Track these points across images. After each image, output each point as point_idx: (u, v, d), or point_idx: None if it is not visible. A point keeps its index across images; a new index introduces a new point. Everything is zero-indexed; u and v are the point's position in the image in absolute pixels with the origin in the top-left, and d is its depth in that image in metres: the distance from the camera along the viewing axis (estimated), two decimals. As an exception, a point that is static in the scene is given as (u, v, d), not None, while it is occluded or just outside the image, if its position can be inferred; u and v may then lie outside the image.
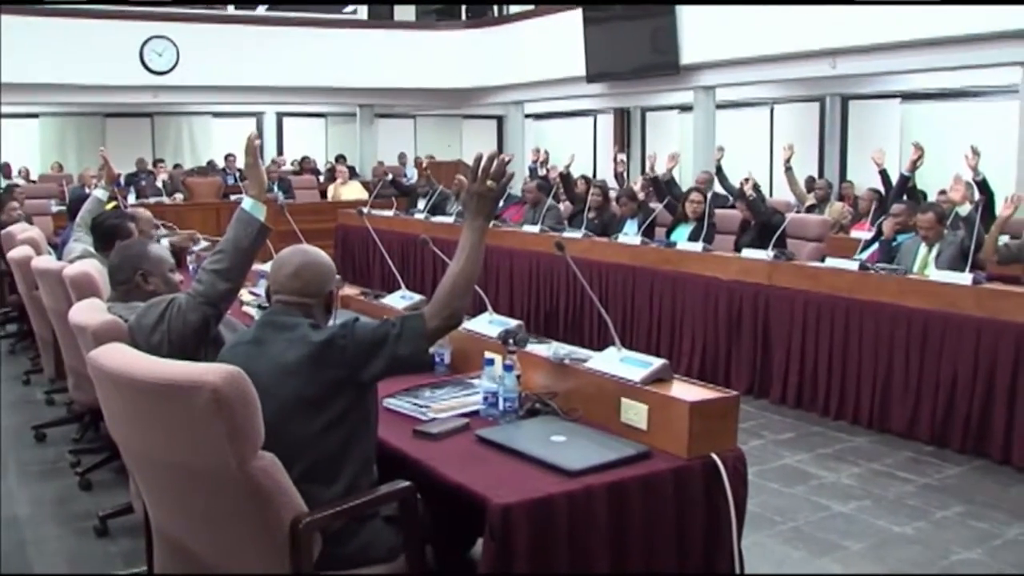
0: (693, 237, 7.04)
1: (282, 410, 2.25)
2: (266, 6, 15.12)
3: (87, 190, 7.80)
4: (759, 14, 9.85)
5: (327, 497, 2.27)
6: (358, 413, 2.38)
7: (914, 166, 6.75)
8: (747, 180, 7.21)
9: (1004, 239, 5.69)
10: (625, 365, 2.79)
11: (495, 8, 16.00)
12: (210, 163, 15.53)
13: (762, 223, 6.71)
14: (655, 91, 13.38)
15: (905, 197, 6.82)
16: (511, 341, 3.08)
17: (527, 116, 15.46)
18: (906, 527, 4.01)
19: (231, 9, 14.74)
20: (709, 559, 2.55)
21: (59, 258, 5.00)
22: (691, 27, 10.90)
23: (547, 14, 13.07)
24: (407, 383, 3.01)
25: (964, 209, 5.59)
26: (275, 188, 12.41)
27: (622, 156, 10.62)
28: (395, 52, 14.21)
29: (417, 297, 4.12)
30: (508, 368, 2.82)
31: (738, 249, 6.58)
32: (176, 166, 15.26)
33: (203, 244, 6.22)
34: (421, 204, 10.30)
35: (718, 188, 9.22)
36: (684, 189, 8.16)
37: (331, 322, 2.55)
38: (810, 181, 10.67)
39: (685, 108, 13.40)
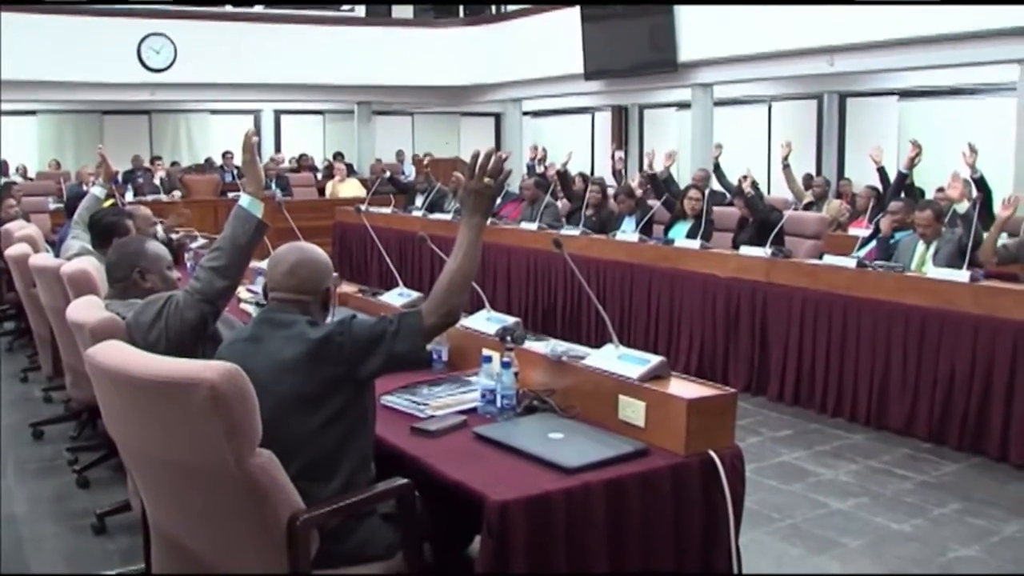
0: (691, 234, 7.05)
1: (279, 407, 2.25)
2: (263, 4, 15.09)
3: (85, 188, 7.80)
4: (757, 12, 9.84)
5: (324, 494, 2.27)
6: (355, 410, 2.38)
7: (912, 163, 6.76)
8: (745, 178, 7.21)
9: (1003, 238, 5.68)
10: (623, 362, 2.79)
11: (493, 5, 15.98)
12: (208, 160, 15.53)
13: (760, 220, 6.71)
14: (653, 88, 13.38)
15: (903, 194, 6.83)
16: (509, 338, 3.08)
17: (525, 113, 15.46)
18: (904, 524, 4.02)
19: (229, 7, 14.72)
20: (707, 556, 2.56)
21: (57, 255, 4.99)
22: (689, 24, 10.90)
23: (545, 11, 13.06)
24: (405, 380, 3.01)
25: (962, 207, 5.58)
26: (273, 185, 12.40)
27: (620, 154, 10.61)
28: (393, 49, 14.21)
29: (415, 294, 4.12)
30: (506, 365, 2.81)
31: (736, 246, 6.58)
32: (174, 163, 15.25)
33: (201, 242, 6.22)
34: (419, 201, 10.29)
35: (715, 185, 9.22)
36: (682, 187, 8.16)
37: (329, 319, 2.55)
38: (808, 178, 10.68)
39: (683, 105, 13.40)
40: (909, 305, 5.15)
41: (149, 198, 11.35)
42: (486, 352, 3.00)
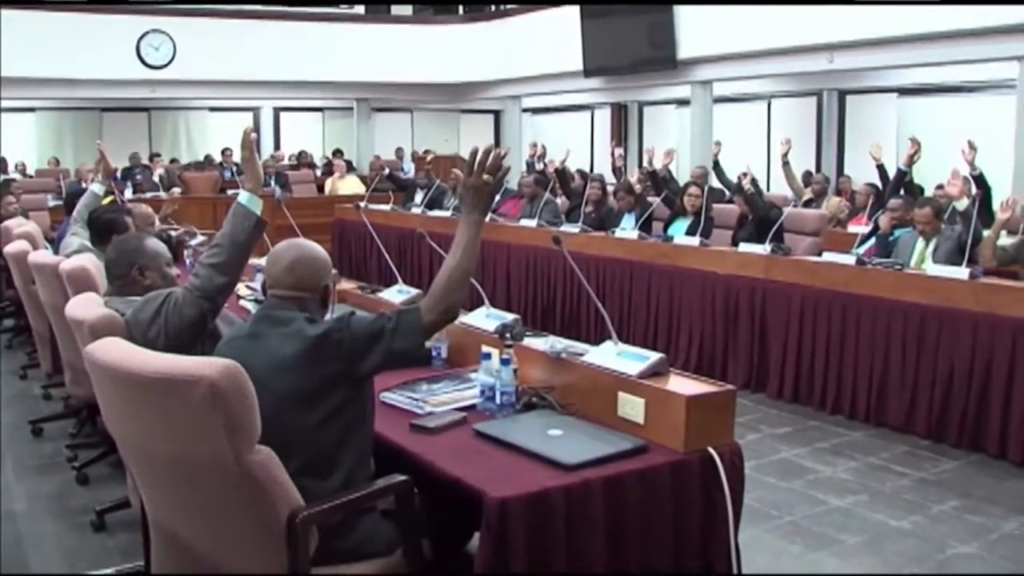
0: (691, 231, 7.04)
1: (278, 404, 2.25)
2: (263, 2, 15.06)
3: (84, 185, 7.78)
4: (756, 9, 9.84)
5: (324, 491, 2.27)
6: (354, 407, 2.38)
7: (911, 161, 6.76)
8: (745, 175, 7.21)
9: (1003, 236, 5.68)
10: (622, 359, 2.79)
11: (492, 5, 15.97)
12: (207, 158, 15.51)
13: (759, 217, 6.71)
14: (652, 86, 13.37)
15: (902, 192, 6.83)
16: (508, 335, 3.08)
17: (524, 111, 15.45)
18: (903, 521, 4.02)
19: (228, 4, 14.69)
20: (706, 553, 2.56)
21: (56, 253, 4.99)
22: (688, 22, 10.90)
23: (544, 8, 13.05)
24: (404, 377, 3.01)
25: (961, 204, 5.58)
26: (272, 182, 12.40)
27: (620, 151, 10.61)
28: (392, 46, 14.20)
29: (414, 291, 4.12)
30: (505, 362, 2.81)
31: (735, 243, 6.57)
32: (173, 160, 15.23)
33: (200, 239, 6.22)
34: (418, 198, 10.30)
35: (714, 182, 9.21)
36: (681, 184, 8.16)
37: (328, 316, 2.55)
38: (807, 176, 10.67)
39: (682, 103, 13.39)
40: (908, 302, 5.15)
41: (148, 195, 11.34)
42: (485, 349, 3.00)
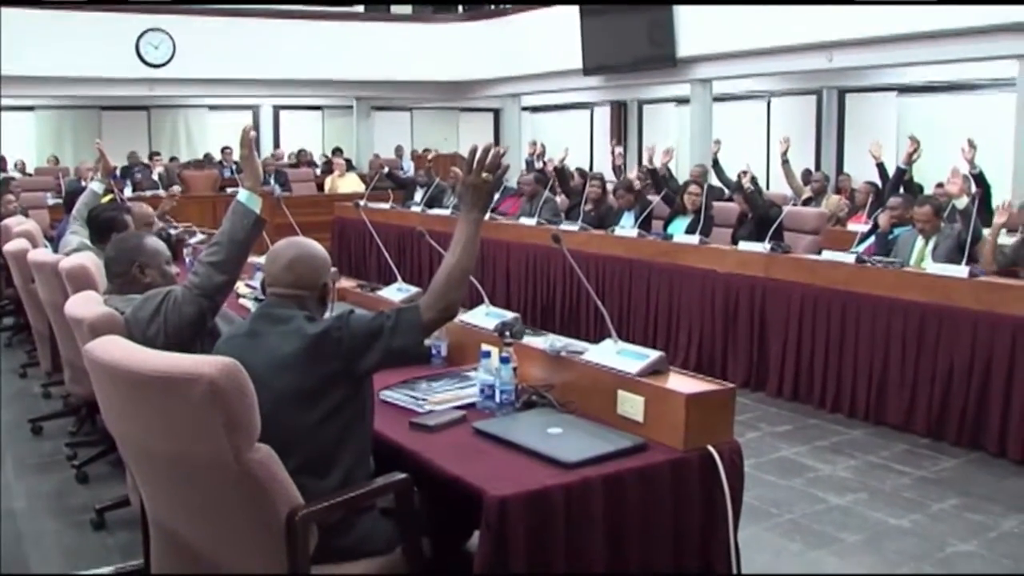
0: (691, 230, 7.04)
1: (278, 402, 2.25)
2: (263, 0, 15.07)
3: (83, 183, 7.78)
4: (756, 7, 9.83)
5: (323, 489, 2.26)
6: (354, 405, 2.38)
7: (910, 159, 6.76)
8: (745, 173, 7.21)
9: (1003, 235, 5.68)
10: (622, 357, 2.79)
11: (491, 4, 15.96)
12: (206, 156, 15.50)
13: (759, 216, 6.71)
14: (652, 84, 13.36)
15: (902, 190, 6.82)
16: (508, 333, 3.08)
17: (524, 109, 15.45)
18: (902, 519, 4.02)
19: (227, 3, 14.68)
20: (706, 552, 2.56)
21: (55, 251, 4.99)
22: (688, 20, 10.89)
23: (544, 7, 13.04)
24: (404, 375, 3.01)
25: (961, 202, 5.58)
26: (271, 181, 12.39)
27: (620, 149, 10.61)
28: (392, 45, 14.18)
29: (413, 289, 4.12)
30: (505, 360, 2.81)
31: (735, 242, 6.57)
32: (172, 159, 15.22)
33: (199, 237, 6.22)
34: (418, 197, 10.30)
35: (714, 181, 9.21)
36: (681, 182, 8.16)
37: (327, 314, 2.55)
38: (807, 174, 10.68)
39: (682, 101, 13.39)
40: (908, 301, 5.15)
41: (148, 193, 11.34)
42: (485, 347, 3.00)
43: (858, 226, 7.03)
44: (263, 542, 2.13)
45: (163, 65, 13.03)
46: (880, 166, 7.70)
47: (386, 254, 5.54)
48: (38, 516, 4.04)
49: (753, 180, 7.15)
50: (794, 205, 7.92)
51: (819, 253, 6.02)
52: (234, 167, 13.58)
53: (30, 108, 15.64)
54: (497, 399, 2.82)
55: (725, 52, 10.62)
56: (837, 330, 5.47)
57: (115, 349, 2.15)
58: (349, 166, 14.40)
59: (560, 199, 9.05)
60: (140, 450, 2.27)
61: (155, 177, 12.87)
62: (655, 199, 7.74)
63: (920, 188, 8.24)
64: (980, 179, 6.19)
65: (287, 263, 2.48)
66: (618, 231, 7.27)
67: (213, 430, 1.99)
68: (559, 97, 16.25)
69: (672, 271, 6.55)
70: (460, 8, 15.81)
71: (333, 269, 2.63)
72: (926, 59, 9.35)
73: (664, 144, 9.08)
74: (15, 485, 4.40)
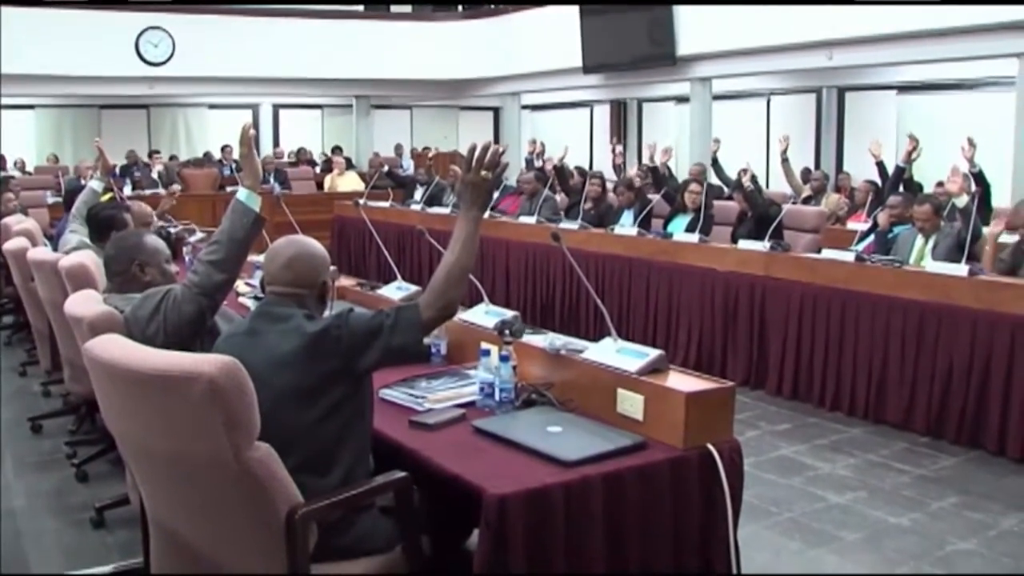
0: (690, 228, 7.05)
1: (277, 401, 2.25)
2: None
3: (83, 182, 7.78)
4: (756, 6, 9.83)
5: (323, 488, 2.26)
6: (353, 404, 2.38)
7: (910, 157, 6.76)
8: (745, 171, 7.21)
9: (1004, 234, 5.68)
10: (621, 356, 2.79)
11: (491, 1, 15.96)
12: (206, 155, 15.50)
13: (759, 214, 6.71)
14: (652, 82, 13.36)
15: (902, 188, 6.82)
16: (507, 332, 3.07)
17: (524, 107, 15.44)
18: (902, 518, 4.02)
19: (227, 2, 14.68)
20: (705, 550, 2.56)
21: (55, 249, 4.99)
22: (688, 18, 10.89)
23: (543, 5, 13.04)
24: (403, 374, 3.01)
25: (961, 201, 5.58)
26: (271, 179, 12.39)
27: (620, 147, 10.61)
28: (391, 43, 14.18)
29: (413, 288, 4.12)
30: (504, 359, 2.81)
31: (735, 240, 6.58)
32: (172, 157, 15.22)
33: (199, 235, 6.22)
34: (417, 195, 10.30)
35: (713, 179, 9.21)
36: (680, 180, 8.16)
37: (326, 313, 2.55)
38: (806, 172, 10.67)
39: (682, 99, 13.38)
40: (908, 299, 5.15)
41: (147, 192, 11.34)
42: (484, 346, 3.00)
43: (858, 225, 7.03)
44: (263, 541, 2.13)
45: (163, 63, 13.03)
46: (880, 165, 7.70)
47: (386, 252, 5.53)
48: (38, 514, 4.04)
49: (753, 179, 7.14)
50: (794, 204, 7.92)
51: (819, 252, 6.02)
52: (234, 166, 13.58)
53: (30, 107, 15.64)
54: (497, 397, 2.82)
55: (725, 51, 10.63)
56: (837, 329, 5.47)
57: (114, 348, 2.15)
58: (349, 164, 14.40)
59: (560, 197, 9.05)
60: (140, 448, 2.27)
61: (154, 176, 12.87)
62: (655, 197, 7.74)
63: (920, 187, 8.23)
64: (980, 178, 6.19)
65: (286, 261, 2.48)
66: (618, 229, 7.27)
67: (213, 428, 1.99)
68: (559, 95, 16.24)
69: (672, 269, 6.55)
70: (460, 7, 15.79)
71: (332, 267, 2.63)
72: (926, 57, 9.36)
73: (664, 143, 9.08)
74: (15, 483, 4.40)
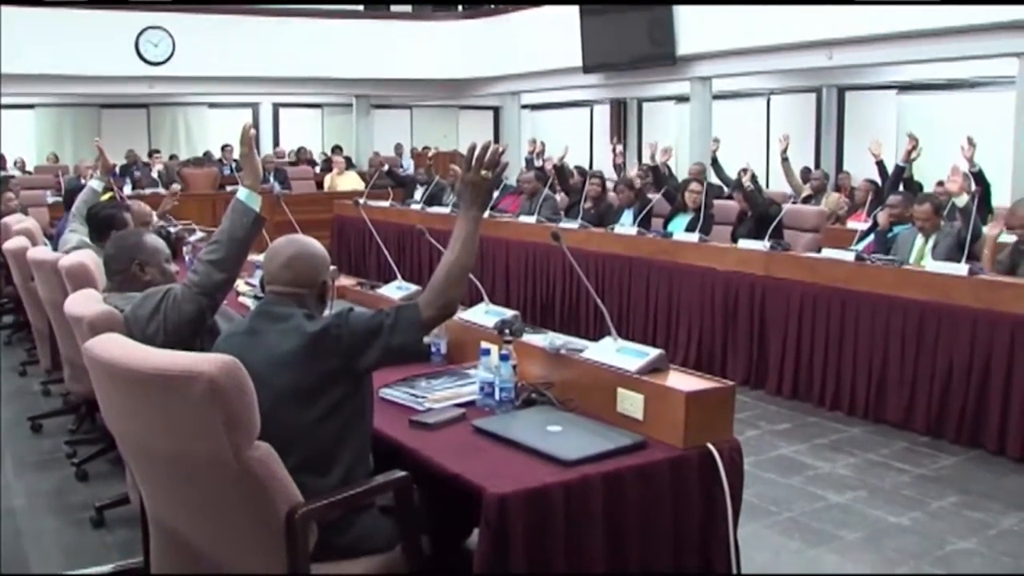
0: (690, 228, 7.05)
1: (277, 400, 2.25)
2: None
3: (83, 181, 7.78)
4: (756, 6, 9.83)
5: (323, 487, 2.26)
6: (353, 403, 2.38)
7: (910, 157, 6.76)
8: (745, 171, 7.21)
9: (1004, 234, 5.68)
10: (621, 355, 2.79)
11: (491, 1, 15.97)
12: (206, 154, 15.51)
13: (759, 214, 6.71)
14: (652, 82, 13.37)
15: (902, 188, 6.82)
16: (507, 331, 3.07)
17: (523, 107, 15.45)
18: (902, 517, 4.02)
19: (227, 1, 14.68)
20: (705, 549, 2.56)
21: (55, 249, 4.99)
22: (688, 18, 10.90)
23: (543, 5, 13.04)
24: (403, 373, 3.01)
25: (961, 200, 5.58)
26: (271, 179, 12.39)
27: (620, 147, 10.61)
28: (391, 43, 14.20)
29: (413, 287, 4.12)
30: (504, 358, 2.81)
31: (735, 240, 6.58)
32: (172, 157, 15.22)
33: (199, 235, 6.22)
34: (417, 195, 10.30)
35: (713, 178, 9.21)
36: (680, 180, 8.15)
37: (326, 312, 2.55)
38: (806, 172, 10.68)
39: (682, 99, 13.39)
40: (907, 299, 5.15)
41: (147, 191, 11.34)
42: (484, 345, 3.00)
43: (858, 224, 7.03)
44: (263, 540, 2.13)
45: (163, 63, 13.05)
46: (880, 164, 7.70)
47: (385, 252, 5.53)
48: (38, 514, 4.04)
49: (753, 178, 7.14)
50: (794, 203, 7.92)
51: (819, 251, 6.02)
52: (234, 165, 13.58)
53: (30, 106, 15.64)
54: (497, 397, 2.82)
55: (725, 50, 10.64)
56: (836, 328, 5.47)
57: (114, 347, 2.15)
58: (349, 164, 14.40)
59: (560, 197, 9.05)
60: (140, 448, 2.27)
61: (154, 175, 12.87)
62: (655, 197, 7.74)
63: (920, 186, 8.23)
64: (980, 177, 6.19)
65: (286, 261, 2.48)
66: (618, 229, 7.27)
67: (213, 428, 1.99)
68: (559, 95, 16.25)
69: (672, 269, 6.55)
70: (460, 6, 15.80)
71: (332, 267, 2.63)
72: (926, 57, 9.37)
73: (664, 142, 9.08)
74: (15, 483, 4.40)
